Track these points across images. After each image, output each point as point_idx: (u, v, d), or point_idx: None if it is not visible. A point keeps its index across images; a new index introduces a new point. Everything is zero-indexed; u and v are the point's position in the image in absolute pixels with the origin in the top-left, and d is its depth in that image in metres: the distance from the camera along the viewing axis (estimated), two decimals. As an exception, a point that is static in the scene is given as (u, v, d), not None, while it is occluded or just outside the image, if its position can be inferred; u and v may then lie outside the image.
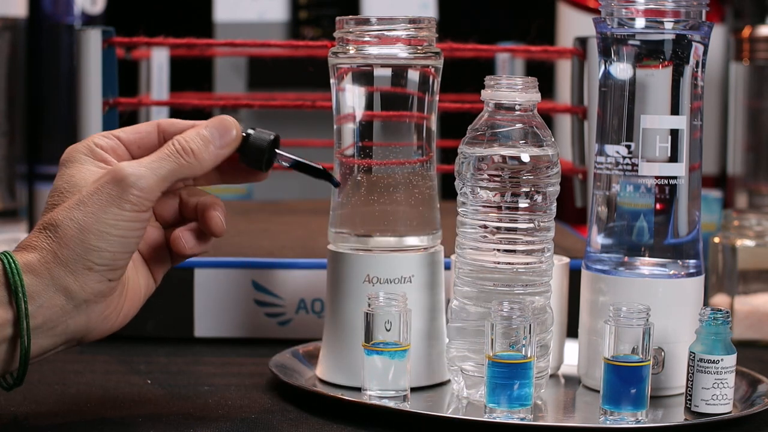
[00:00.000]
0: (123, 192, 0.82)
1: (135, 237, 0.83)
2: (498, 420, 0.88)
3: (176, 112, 1.43)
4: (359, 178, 0.97)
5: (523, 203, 0.93)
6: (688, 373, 0.91)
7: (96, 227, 0.82)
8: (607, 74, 0.98)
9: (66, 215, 0.82)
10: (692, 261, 0.97)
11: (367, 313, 0.92)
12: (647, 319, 0.89)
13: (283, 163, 0.89)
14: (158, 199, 0.84)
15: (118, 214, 0.82)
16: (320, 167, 0.90)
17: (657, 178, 0.96)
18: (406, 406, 0.92)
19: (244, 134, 0.87)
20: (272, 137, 0.87)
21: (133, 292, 0.87)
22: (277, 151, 0.88)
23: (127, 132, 0.87)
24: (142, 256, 0.89)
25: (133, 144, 0.87)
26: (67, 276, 0.82)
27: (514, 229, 0.93)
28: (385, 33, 0.96)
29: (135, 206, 0.82)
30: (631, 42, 0.96)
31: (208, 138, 0.85)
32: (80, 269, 0.82)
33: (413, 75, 0.96)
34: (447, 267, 1.00)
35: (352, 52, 0.96)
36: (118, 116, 1.18)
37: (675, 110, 0.96)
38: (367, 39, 0.96)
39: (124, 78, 1.23)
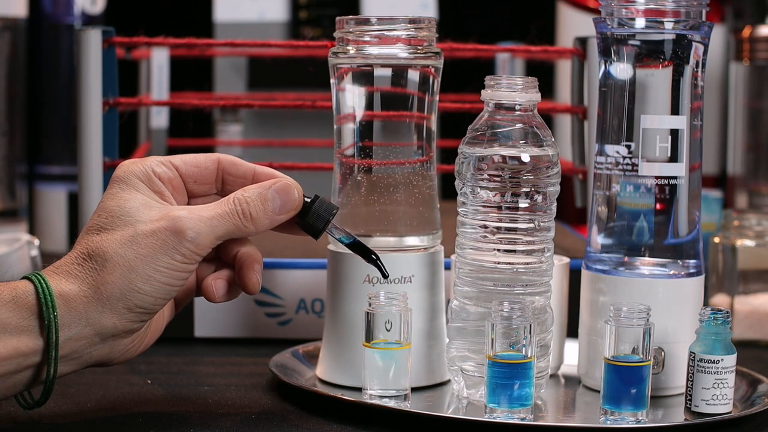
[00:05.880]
0: (178, 243, 0.82)
1: (178, 286, 0.84)
2: (498, 420, 0.88)
3: (176, 112, 1.44)
4: (359, 178, 0.97)
5: (523, 203, 0.93)
6: (688, 373, 0.91)
7: (144, 270, 0.82)
8: (607, 74, 0.98)
9: (116, 250, 0.82)
10: (692, 261, 0.97)
11: (367, 313, 0.92)
12: (647, 319, 0.89)
13: (336, 237, 0.90)
14: None
15: (168, 263, 0.82)
16: (374, 253, 0.90)
17: (657, 178, 0.96)
18: (407, 406, 0.92)
19: (306, 200, 0.88)
20: (335, 211, 0.88)
21: (156, 325, 0.88)
22: (333, 224, 0.89)
23: (186, 163, 0.86)
24: None
25: (190, 178, 0.87)
26: (103, 313, 0.82)
27: (514, 229, 0.93)
28: (385, 33, 0.96)
29: (186, 259, 0.83)
30: (631, 42, 0.96)
31: (269, 204, 0.85)
32: (120, 309, 0.82)
33: (413, 75, 0.96)
34: (447, 267, 1.00)
35: (352, 52, 0.96)
36: (118, 116, 1.18)
37: (675, 110, 0.96)
38: (367, 39, 0.96)
39: (124, 78, 1.23)
